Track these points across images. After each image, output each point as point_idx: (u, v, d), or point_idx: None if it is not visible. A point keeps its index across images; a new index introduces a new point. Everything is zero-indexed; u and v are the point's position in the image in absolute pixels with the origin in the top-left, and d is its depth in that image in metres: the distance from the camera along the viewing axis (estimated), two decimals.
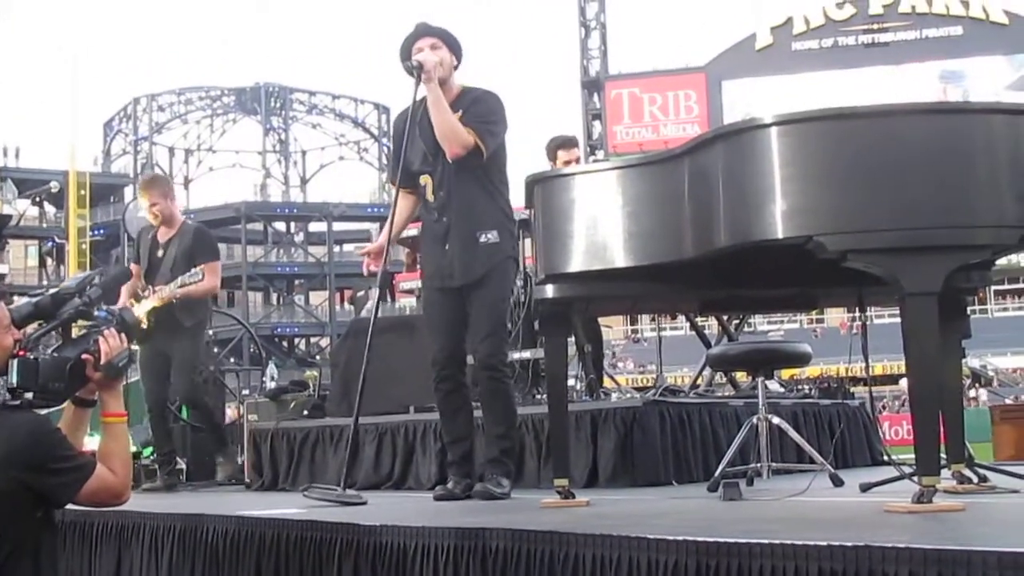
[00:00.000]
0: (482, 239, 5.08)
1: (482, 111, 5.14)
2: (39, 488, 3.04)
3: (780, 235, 3.47)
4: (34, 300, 3.29)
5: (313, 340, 59.56)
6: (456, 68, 5.24)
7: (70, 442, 3.14)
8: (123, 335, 3.28)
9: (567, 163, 7.50)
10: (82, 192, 43.02)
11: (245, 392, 10.33)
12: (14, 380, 3.12)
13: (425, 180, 5.21)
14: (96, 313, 3.32)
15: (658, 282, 4.29)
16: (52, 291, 3.33)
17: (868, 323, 4.58)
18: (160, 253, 7.32)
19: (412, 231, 8.45)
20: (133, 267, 7.49)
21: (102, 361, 3.22)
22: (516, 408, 5.34)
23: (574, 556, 3.08)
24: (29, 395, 3.14)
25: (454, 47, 5.19)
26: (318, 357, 51.66)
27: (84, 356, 3.20)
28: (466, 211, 5.10)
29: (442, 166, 5.13)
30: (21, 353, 3.16)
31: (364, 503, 4.79)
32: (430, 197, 5.20)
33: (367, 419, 6.50)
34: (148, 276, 7.31)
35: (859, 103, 4.17)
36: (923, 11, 55.05)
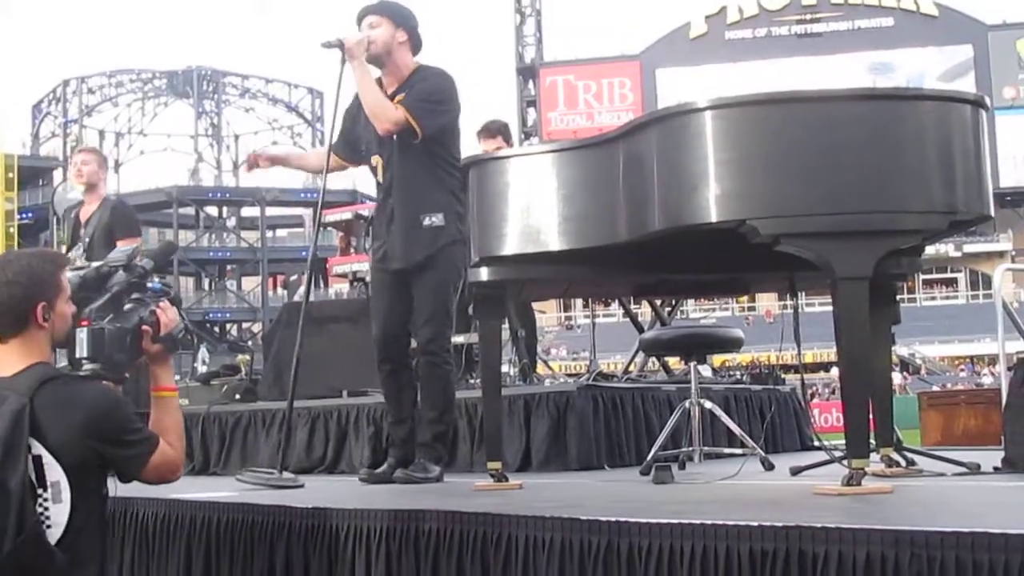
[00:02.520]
0: (426, 222, 5.01)
1: (425, 89, 5.03)
2: (112, 461, 2.98)
3: (713, 219, 3.49)
4: (80, 273, 3.22)
5: (245, 326, 59.05)
6: (410, 43, 5.12)
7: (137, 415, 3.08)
8: (176, 307, 3.23)
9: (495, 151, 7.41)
10: (10, 175, 42.38)
11: (176, 377, 10.22)
12: (86, 350, 3.05)
13: (376, 161, 5.15)
14: (149, 285, 3.26)
15: (592, 266, 4.29)
16: (97, 264, 3.27)
17: (800, 311, 4.62)
18: (82, 231, 7.12)
19: (346, 214, 8.43)
20: (64, 249, 7.29)
21: (161, 332, 3.17)
22: (454, 394, 5.31)
23: (507, 537, 3.08)
24: (94, 366, 3.06)
25: (401, 22, 5.08)
26: (250, 343, 51.22)
27: (143, 327, 3.15)
28: (410, 193, 5.04)
29: (391, 147, 5.06)
30: (85, 323, 3.08)
31: (301, 486, 4.76)
32: (381, 178, 5.16)
33: (300, 403, 6.45)
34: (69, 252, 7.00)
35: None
36: (855, 2, 55.79)
